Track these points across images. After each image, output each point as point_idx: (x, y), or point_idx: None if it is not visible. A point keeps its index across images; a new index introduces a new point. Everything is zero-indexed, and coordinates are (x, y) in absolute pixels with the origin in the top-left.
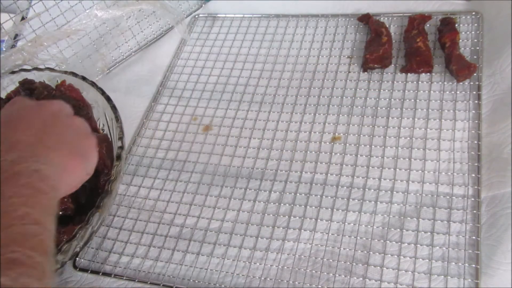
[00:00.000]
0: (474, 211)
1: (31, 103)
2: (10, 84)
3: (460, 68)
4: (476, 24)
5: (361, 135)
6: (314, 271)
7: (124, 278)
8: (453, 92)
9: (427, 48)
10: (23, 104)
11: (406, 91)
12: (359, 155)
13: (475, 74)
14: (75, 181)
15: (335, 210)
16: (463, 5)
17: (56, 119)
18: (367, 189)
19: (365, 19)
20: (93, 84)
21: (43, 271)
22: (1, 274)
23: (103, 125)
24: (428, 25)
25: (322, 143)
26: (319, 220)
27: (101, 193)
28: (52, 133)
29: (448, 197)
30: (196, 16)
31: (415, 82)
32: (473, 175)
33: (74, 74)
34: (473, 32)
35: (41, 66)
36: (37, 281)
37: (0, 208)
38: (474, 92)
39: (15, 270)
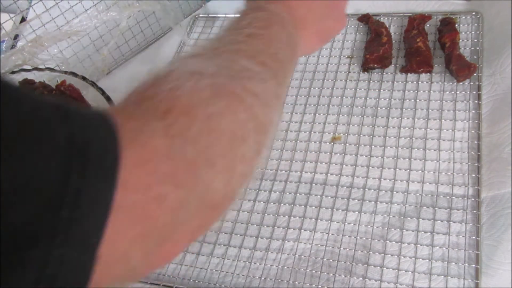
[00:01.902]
0: (474, 211)
1: None
2: None
3: (460, 68)
4: (476, 24)
5: (361, 135)
6: (314, 271)
7: None
8: (453, 92)
9: (427, 48)
10: None
11: (406, 91)
12: (359, 155)
13: (475, 74)
14: (306, 52)
15: (335, 210)
16: (463, 5)
17: None
18: (367, 189)
19: (365, 19)
20: (93, 84)
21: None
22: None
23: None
24: (428, 25)
25: (322, 143)
26: (319, 220)
27: None
28: (312, 10)
29: (448, 197)
30: (196, 16)
31: (415, 82)
32: (473, 175)
33: (74, 74)
34: (473, 32)
35: (41, 66)
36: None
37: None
38: (474, 92)
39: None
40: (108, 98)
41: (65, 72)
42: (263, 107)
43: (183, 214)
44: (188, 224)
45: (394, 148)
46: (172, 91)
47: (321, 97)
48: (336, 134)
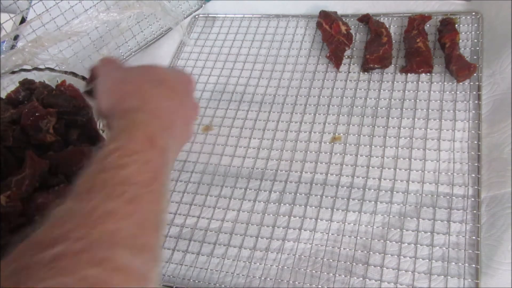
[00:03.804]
0: (474, 211)
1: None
2: (10, 84)
3: (460, 68)
4: (476, 24)
5: (361, 135)
6: (314, 271)
7: None
8: (453, 92)
9: (427, 48)
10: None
11: (406, 91)
12: (359, 155)
13: (475, 74)
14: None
15: (335, 210)
16: (463, 5)
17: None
18: (367, 189)
19: (365, 19)
20: None
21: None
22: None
23: (103, 125)
24: (428, 26)
25: (322, 143)
26: (319, 220)
27: None
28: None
29: (448, 197)
30: (196, 16)
31: (415, 82)
32: (473, 175)
33: (74, 74)
34: (473, 32)
35: (41, 66)
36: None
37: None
38: (474, 92)
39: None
40: None
41: (65, 72)
42: None
43: None
44: None
45: (394, 148)
46: None
47: (321, 97)
48: (336, 134)
